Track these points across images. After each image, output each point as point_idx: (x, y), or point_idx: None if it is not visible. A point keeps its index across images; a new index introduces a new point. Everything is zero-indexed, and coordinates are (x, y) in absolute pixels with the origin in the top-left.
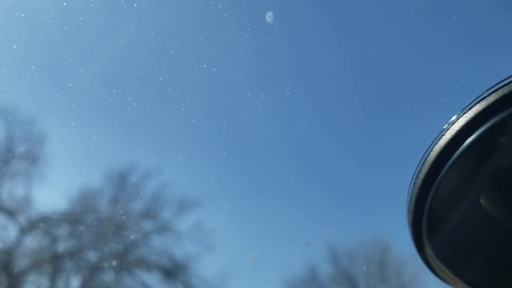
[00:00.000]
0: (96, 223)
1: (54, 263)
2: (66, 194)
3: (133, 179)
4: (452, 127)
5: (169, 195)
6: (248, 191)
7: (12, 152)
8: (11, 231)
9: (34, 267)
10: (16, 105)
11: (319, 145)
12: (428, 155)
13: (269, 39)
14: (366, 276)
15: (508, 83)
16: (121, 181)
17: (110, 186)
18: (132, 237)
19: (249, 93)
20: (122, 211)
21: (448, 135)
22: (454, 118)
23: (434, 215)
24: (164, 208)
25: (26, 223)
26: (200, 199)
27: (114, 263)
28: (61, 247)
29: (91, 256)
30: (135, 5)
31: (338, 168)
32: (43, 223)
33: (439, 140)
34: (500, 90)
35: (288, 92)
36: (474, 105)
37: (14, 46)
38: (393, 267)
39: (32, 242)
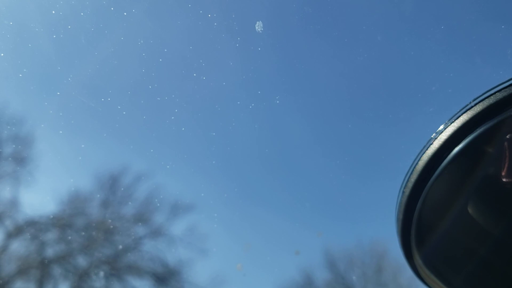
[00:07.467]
0: (86, 227)
1: (42, 269)
2: (55, 197)
3: (124, 183)
4: (440, 136)
5: (160, 202)
6: (238, 200)
7: None
8: None
9: (21, 273)
10: (4, 107)
11: (309, 154)
12: (416, 164)
13: (259, 49)
14: (363, 281)
15: (494, 93)
16: (111, 185)
17: (100, 189)
18: (123, 242)
19: (238, 102)
20: (112, 215)
21: (436, 144)
22: (441, 127)
23: (422, 224)
24: (156, 212)
25: (13, 227)
26: (191, 205)
27: (104, 268)
28: (50, 252)
29: (81, 261)
30: (125, 13)
31: (328, 176)
32: (30, 227)
33: (427, 149)
34: (486, 99)
35: (277, 101)
36: (461, 114)
37: (2, 54)
38: (390, 272)
39: (19, 246)
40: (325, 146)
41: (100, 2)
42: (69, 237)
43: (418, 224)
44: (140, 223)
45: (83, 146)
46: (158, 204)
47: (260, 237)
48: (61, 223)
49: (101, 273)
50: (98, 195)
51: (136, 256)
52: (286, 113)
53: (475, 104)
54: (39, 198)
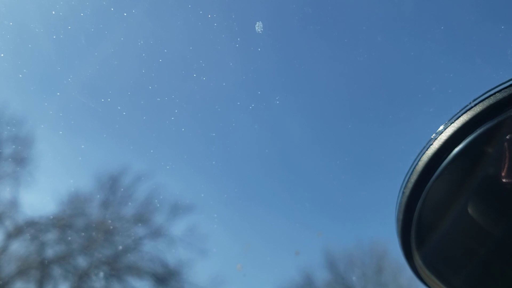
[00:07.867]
0: (85, 228)
1: (42, 269)
2: (55, 198)
3: (124, 184)
4: (440, 136)
5: (160, 202)
6: (238, 201)
7: None
8: None
9: (21, 273)
10: (4, 107)
11: (309, 154)
12: (416, 164)
13: (259, 49)
14: (363, 281)
15: (494, 93)
16: (111, 185)
17: (100, 189)
18: (123, 242)
19: (238, 103)
20: (112, 215)
21: (436, 144)
22: (441, 128)
23: (422, 224)
24: (156, 212)
25: (13, 228)
26: (191, 205)
27: (104, 269)
28: (50, 252)
29: (81, 262)
30: (125, 14)
31: (328, 177)
32: (30, 228)
33: (427, 150)
34: (486, 100)
35: (277, 102)
36: (461, 115)
37: (2, 55)
38: (390, 272)
39: (19, 247)
40: (325, 146)
41: (100, 3)
42: (69, 238)
43: (418, 224)
44: (140, 224)
45: (83, 146)
46: (158, 205)
47: (260, 237)
48: (61, 223)
49: (101, 274)
50: (98, 196)
51: (136, 256)
52: (286, 114)
53: (475, 105)
54: (39, 199)
